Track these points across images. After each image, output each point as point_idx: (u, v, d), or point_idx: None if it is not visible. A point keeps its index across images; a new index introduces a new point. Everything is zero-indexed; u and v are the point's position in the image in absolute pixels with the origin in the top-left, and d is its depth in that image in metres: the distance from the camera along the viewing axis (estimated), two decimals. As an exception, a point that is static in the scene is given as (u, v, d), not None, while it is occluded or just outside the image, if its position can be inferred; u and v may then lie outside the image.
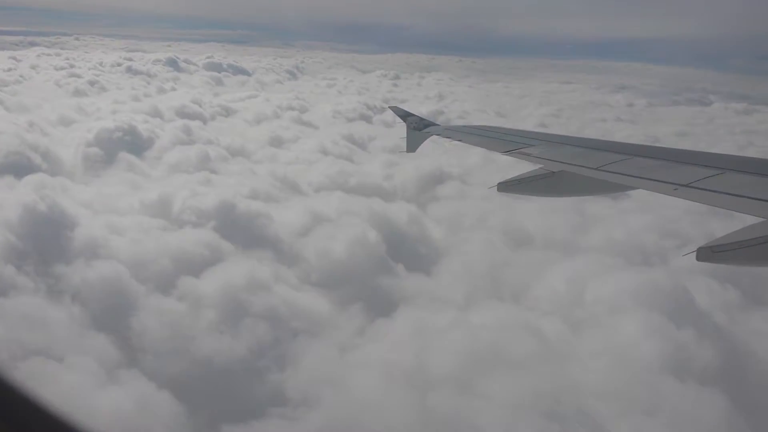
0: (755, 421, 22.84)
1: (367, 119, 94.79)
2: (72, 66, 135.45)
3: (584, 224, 45.26)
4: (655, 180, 6.97)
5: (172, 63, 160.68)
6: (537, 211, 48.28)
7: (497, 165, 62.94)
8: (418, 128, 13.06)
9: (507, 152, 9.86)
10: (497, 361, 25.41)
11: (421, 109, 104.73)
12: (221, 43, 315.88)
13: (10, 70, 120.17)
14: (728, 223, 38.34)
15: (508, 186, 9.04)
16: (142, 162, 56.97)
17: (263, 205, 44.44)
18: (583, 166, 8.07)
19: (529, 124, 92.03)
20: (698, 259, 5.66)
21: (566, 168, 8.26)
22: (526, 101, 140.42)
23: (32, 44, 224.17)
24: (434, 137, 12.73)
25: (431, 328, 28.59)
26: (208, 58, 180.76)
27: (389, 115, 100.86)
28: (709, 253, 5.64)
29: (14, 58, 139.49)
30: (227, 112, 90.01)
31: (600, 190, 8.66)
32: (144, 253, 34.98)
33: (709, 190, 6.36)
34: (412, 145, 13.31)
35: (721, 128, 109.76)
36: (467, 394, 23.56)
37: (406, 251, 40.13)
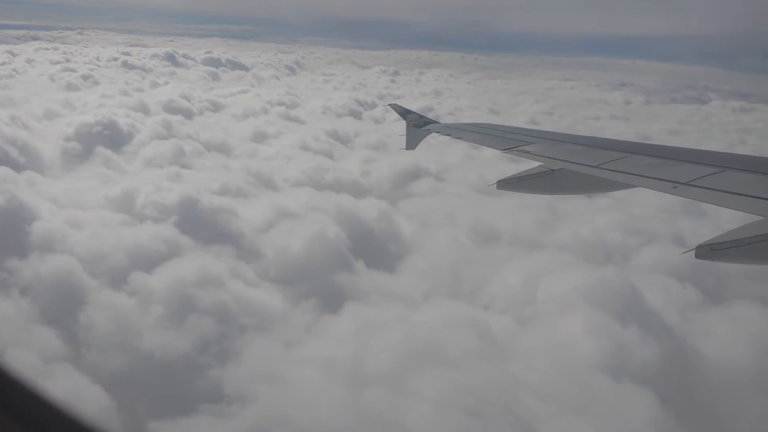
0: (685, 421, 22.62)
1: (356, 115, 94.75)
2: (68, 60, 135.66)
3: (554, 222, 45.05)
4: (654, 178, 7.06)
5: (170, 58, 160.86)
6: (509, 209, 48.12)
7: (477, 162, 63.08)
8: (418, 126, 13.08)
9: (506, 150, 9.94)
10: (437, 359, 25.21)
11: (413, 105, 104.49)
12: (224, 39, 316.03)
13: (3, 64, 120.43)
14: (699, 223, 38.26)
15: (507, 183, 9.08)
16: (119, 157, 56.96)
17: (230, 200, 44.36)
18: (582, 164, 8.15)
19: (520, 121, 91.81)
20: (697, 256, 5.71)
21: (565, 166, 8.31)
22: (522, 98, 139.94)
23: (34, 38, 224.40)
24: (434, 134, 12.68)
25: (377, 325, 28.41)
26: (207, 53, 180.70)
27: (379, 111, 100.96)
28: (708, 250, 5.67)
29: (10, 53, 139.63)
30: (216, 107, 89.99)
31: (599, 187, 8.86)
32: (100, 248, 34.89)
33: (709, 188, 6.43)
34: (411, 143, 13.28)
35: (715, 126, 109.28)
36: (399, 392, 23.40)
37: (369, 248, 39.99)
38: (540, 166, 8.79)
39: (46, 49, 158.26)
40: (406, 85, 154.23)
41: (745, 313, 31.40)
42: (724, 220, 48.27)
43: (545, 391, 23.98)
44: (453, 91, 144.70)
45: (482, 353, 26.37)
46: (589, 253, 38.42)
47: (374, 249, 40.27)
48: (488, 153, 53.42)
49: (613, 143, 9.25)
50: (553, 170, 8.48)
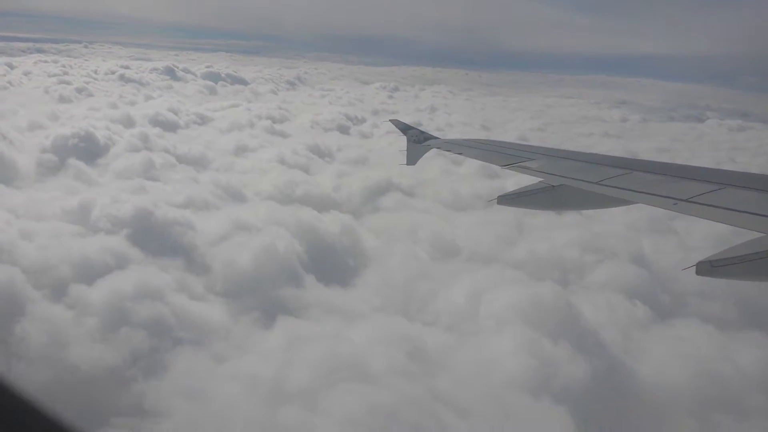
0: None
1: (344, 130, 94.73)
2: (65, 73, 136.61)
3: (516, 238, 44.76)
4: (654, 194, 7.02)
5: (169, 72, 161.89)
6: (475, 224, 48.03)
7: (454, 178, 62.95)
8: (418, 141, 13.14)
9: (506, 166, 9.87)
10: (359, 376, 24.88)
11: (404, 120, 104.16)
12: (230, 53, 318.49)
13: (0, 76, 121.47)
14: (664, 241, 37.75)
15: (508, 199, 9.00)
16: (92, 169, 56.97)
17: (191, 213, 44.25)
18: (583, 180, 8.09)
19: (510, 137, 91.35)
20: (698, 273, 5.61)
21: (566, 182, 8.27)
22: (518, 115, 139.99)
23: (39, 51, 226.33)
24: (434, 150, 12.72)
25: (307, 341, 28.10)
26: (207, 67, 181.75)
27: (368, 126, 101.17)
28: (709, 267, 5.59)
29: (9, 65, 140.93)
30: (203, 121, 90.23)
31: (599, 204, 8.63)
32: (46, 259, 34.79)
33: (709, 205, 6.37)
34: (412, 158, 13.32)
35: (707, 145, 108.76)
36: (312, 410, 23.07)
37: (325, 262, 39.76)
38: (540, 182, 8.71)
39: (46, 61, 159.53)
40: (404, 101, 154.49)
41: (688, 332, 31.05)
42: (692, 238, 48.25)
43: (464, 408, 23.61)
44: (449, 107, 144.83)
45: (409, 370, 26.01)
46: (541, 270, 38.11)
47: (330, 263, 40.02)
48: (466, 169, 53.13)
49: (615, 160, 9.19)
50: (553, 186, 8.42)
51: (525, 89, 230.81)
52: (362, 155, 73.58)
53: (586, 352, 27.17)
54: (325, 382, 24.18)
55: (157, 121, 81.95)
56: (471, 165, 63.58)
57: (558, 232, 45.20)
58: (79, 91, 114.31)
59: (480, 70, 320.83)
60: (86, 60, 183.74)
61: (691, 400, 25.75)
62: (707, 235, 49.25)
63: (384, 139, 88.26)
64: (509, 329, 28.50)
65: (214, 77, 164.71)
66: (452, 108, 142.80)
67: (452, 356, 27.66)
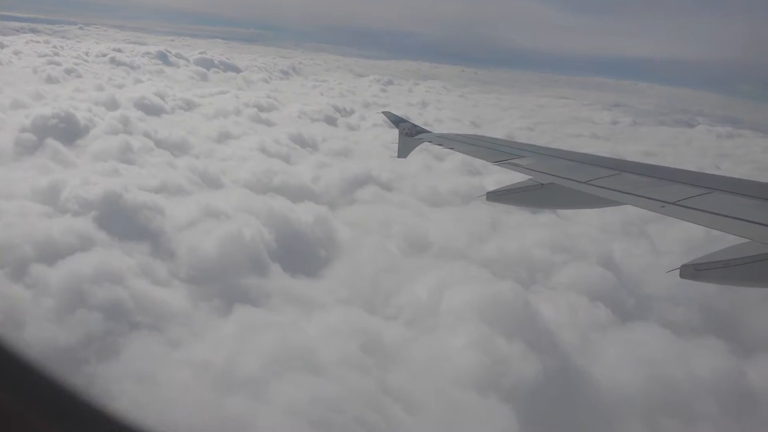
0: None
1: (331, 121, 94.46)
2: (55, 54, 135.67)
3: (488, 235, 44.70)
4: (642, 197, 7.11)
5: (162, 56, 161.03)
6: (450, 220, 48.01)
7: (434, 173, 62.83)
8: (410, 134, 13.16)
9: (497, 162, 9.94)
10: (309, 367, 24.86)
11: (394, 113, 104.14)
12: (226, 41, 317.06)
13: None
14: (635, 245, 37.68)
15: (496, 196, 9.16)
16: (70, 150, 56.59)
17: (163, 198, 44.07)
18: (572, 180, 8.15)
19: (498, 135, 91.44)
20: (682, 276, 5.70)
21: (555, 180, 8.35)
22: (508, 113, 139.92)
23: (33, 31, 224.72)
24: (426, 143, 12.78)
25: (264, 330, 28.02)
26: (200, 53, 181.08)
27: (355, 119, 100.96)
28: (693, 270, 5.67)
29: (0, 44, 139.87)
30: (189, 106, 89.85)
31: (587, 203, 8.75)
32: (10, 238, 34.60)
33: (696, 209, 6.45)
34: (403, 151, 13.39)
35: (693, 150, 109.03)
36: (258, 399, 23.02)
37: (294, 252, 39.65)
38: (530, 179, 8.79)
39: (37, 42, 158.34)
40: (397, 95, 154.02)
41: (646, 336, 31.07)
42: (665, 243, 48.33)
43: (410, 403, 23.61)
44: (441, 102, 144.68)
45: (361, 363, 25.97)
46: (509, 268, 38.16)
47: (300, 253, 39.91)
48: (448, 165, 53.02)
49: (605, 160, 9.28)
50: (542, 184, 8.48)
51: (519, 88, 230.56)
52: (346, 147, 73.37)
53: (540, 352, 27.17)
54: (273, 371, 24.12)
55: (142, 105, 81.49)
56: (453, 161, 63.52)
57: (531, 231, 45.21)
58: (68, 72, 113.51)
59: (477, 68, 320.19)
60: (79, 42, 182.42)
61: (640, 403, 25.79)
62: (681, 239, 49.40)
63: (370, 132, 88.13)
64: (466, 326, 28.49)
65: (207, 63, 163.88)
66: (444, 104, 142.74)
67: (406, 351, 27.66)
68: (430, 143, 12.60)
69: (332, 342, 26.99)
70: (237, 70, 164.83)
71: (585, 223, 49.04)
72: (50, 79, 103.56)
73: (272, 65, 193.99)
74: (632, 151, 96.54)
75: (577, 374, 26.74)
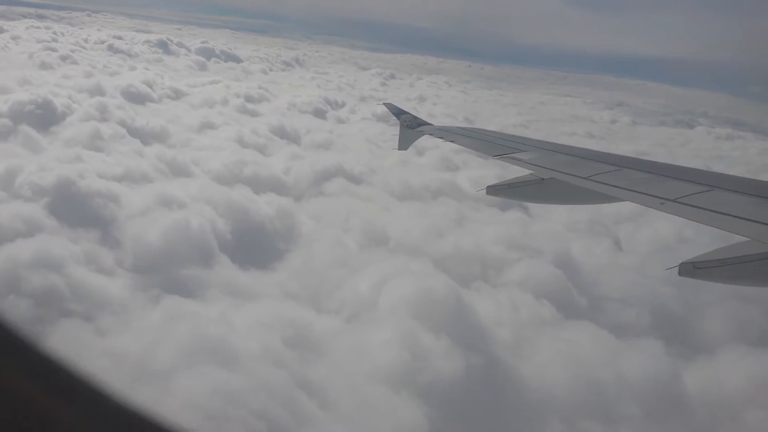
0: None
1: (320, 114, 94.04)
2: (54, 40, 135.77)
3: (449, 230, 44.31)
4: (642, 193, 7.14)
5: (163, 45, 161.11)
6: (412, 215, 47.63)
7: (410, 167, 62.34)
8: (411, 127, 13.18)
9: (497, 156, 9.98)
10: (224, 360, 24.59)
11: (382, 106, 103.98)
12: (234, 31, 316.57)
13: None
14: (596, 243, 37.18)
15: (497, 190, 9.26)
16: (44, 136, 56.54)
17: (126, 186, 43.99)
18: (572, 175, 8.17)
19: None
20: (680, 274, 5.67)
21: (556, 175, 8.37)
22: (508, 109, 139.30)
23: (40, 17, 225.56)
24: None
25: (188, 321, 27.79)
26: (202, 43, 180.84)
27: (345, 112, 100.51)
28: (692, 269, 5.66)
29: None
30: (177, 95, 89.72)
31: (587, 199, 8.80)
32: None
33: (695, 206, 6.46)
34: (404, 143, 13.52)
35: (688, 151, 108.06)
36: (164, 390, 22.77)
37: (248, 244, 39.46)
38: (530, 174, 8.84)
39: (38, 27, 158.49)
40: (396, 89, 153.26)
41: (584, 336, 30.65)
42: (634, 243, 47.81)
43: (322, 397, 23.34)
44: (440, 97, 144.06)
45: (281, 356, 25.73)
46: (460, 264, 37.88)
47: (255, 245, 39.71)
48: (426, 160, 52.38)
49: (606, 156, 9.31)
50: (542, 179, 8.52)
51: (524, 85, 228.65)
52: (328, 140, 73.03)
53: (468, 349, 26.83)
54: (183, 364, 23.88)
55: (127, 93, 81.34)
56: (432, 156, 63.03)
57: (494, 228, 44.87)
58: (64, 58, 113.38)
59: (485, 64, 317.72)
60: (81, 28, 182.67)
61: (562, 403, 25.42)
62: (651, 240, 49.02)
63: (357, 126, 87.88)
64: (394, 321, 28.17)
65: (208, 53, 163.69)
66: (443, 99, 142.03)
67: (331, 345, 27.39)
68: (430, 136, 12.73)
69: (255, 335, 26.72)
70: (238, 60, 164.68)
71: (554, 221, 48.64)
72: (44, 65, 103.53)
73: (275, 56, 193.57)
74: (626, 150, 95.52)
75: (503, 372, 26.40)
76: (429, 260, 38.40)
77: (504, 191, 9.21)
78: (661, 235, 48.62)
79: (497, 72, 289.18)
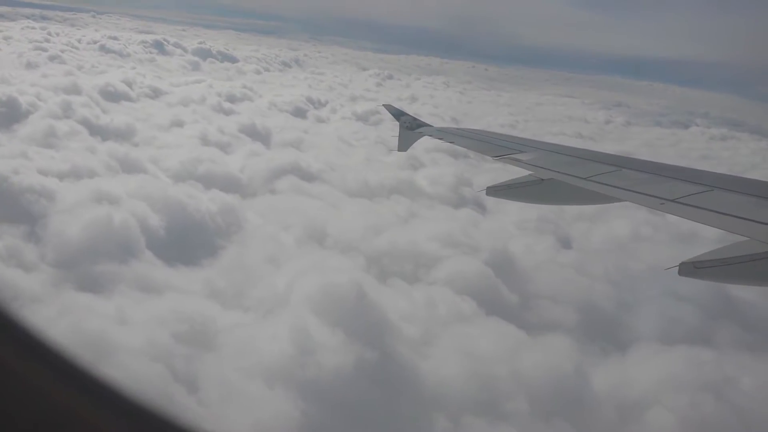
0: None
1: (300, 113, 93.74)
2: (47, 40, 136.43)
3: (390, 228, 43.78)
4: (642, 193, 7.19)
5: (158, 45, 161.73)
6: (358, 213, 47.17)
7: (373, 165, 61.89)
8: (411, 128, 13.17)
9: (497, 157, 10.04)
10: (101, 355, 24.20)
11: (367, 106, 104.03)
12: (239, 32, 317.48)
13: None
14: (541, 241, 36.55)
15: (496, 190, 9.27)
16: (3, 134, 56.53)
17: (66, 183, 43.81)
18: (572, 175, 8.20)
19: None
20: (680, 273, 5.66)
21: (555, 176, 8.42)
22: (502, 110, 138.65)
23: (44, 18, 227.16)
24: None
25: (78, 315, 27.44)
26: (199, 43, 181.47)
27: (326, 111, 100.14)
28: (692, 268, 5.65)
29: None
30: (156, 94, 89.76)
31: (587, 199, 8.88)
32: None
33: (695, 206, 6.47)
34: (403, 145, 13.50)
35: (677, 151, 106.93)
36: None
37: (180, 241, 39.09)
38: (530, 174, 8.86)
39: (33, 28, 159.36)
40: (390, 90, 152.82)
41: (494, 333, 30.05)
42: (589, 242, 47.10)
43: (194, 393, 22.94)
44: (433, 98, 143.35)
45: (167, 352, 25.32)
46: (392, 262, 37.50)
47: (187, 242, 39.36)
48: (393, 158, 51.54)
49: (606, 157, 9.40)
50: (542, 180, 8.54)
51: (527, 86, 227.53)
52: (299, 138, 72.73)
53: (365, 345, 26.34)
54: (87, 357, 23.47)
55: (105, 92, 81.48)
56: (400, 155, 62.55)
57: (439, 225, 44.35)
58: (52, 58, 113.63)
59: (489, 64, 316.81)
60: (79, 29, 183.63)
61: (451, 400, 24.88)
62: (604, 238, 48.35)
63: (334, 125, 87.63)
64: (293, 317, 27.71)
65: (204, 54, 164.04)
66: (436, 99, 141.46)
67: (224, 340, 26.98)
68: (430, 137, 12.69)
69: (144, 330, 26.33)
70: (234, 60, 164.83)
71: (505, 220, 48.11)
72: (29, 65, 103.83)
73: (273, 57, 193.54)
74: (609, 150, 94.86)
75: (396, 368, 25.86)
76: (361, 257, 37.94)
77: (503, 192, 9.18)
78: (615, 234, 48.01)
79: (501, 73, 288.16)
